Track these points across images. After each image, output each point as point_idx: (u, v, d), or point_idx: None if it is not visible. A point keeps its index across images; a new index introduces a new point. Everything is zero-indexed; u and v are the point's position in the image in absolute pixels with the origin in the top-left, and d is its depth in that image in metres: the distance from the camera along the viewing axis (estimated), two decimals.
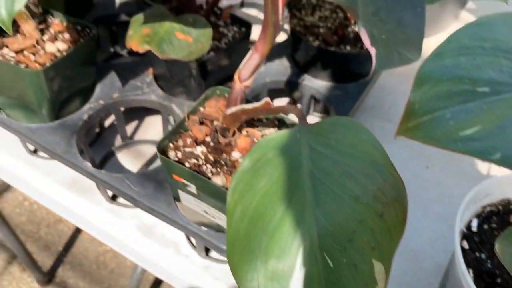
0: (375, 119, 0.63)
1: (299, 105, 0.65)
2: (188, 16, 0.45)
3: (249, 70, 0.38)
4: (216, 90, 0.45)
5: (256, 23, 0.75)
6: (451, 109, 0.23)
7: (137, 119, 0.62)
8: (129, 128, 0.61)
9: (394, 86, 0.68)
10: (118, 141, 0.60)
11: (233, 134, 0.42)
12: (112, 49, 0.68)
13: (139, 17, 0.44)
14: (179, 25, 0.44)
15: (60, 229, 1.38)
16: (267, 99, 0.34)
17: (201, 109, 0.44)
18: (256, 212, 0.27)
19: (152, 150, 0.59)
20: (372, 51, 0.31)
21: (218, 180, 0.39)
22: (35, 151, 0.57)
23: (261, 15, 0.76)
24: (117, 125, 0.57)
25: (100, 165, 0.57)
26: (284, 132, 0.30)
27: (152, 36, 0.42)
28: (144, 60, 0.58)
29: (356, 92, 0.56)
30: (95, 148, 0.59)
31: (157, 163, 0.58)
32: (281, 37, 0.67)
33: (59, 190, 0.53)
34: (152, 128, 0.61)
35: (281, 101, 0.66)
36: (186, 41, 0.43)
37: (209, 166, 0.40)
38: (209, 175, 0.39)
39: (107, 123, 0.62)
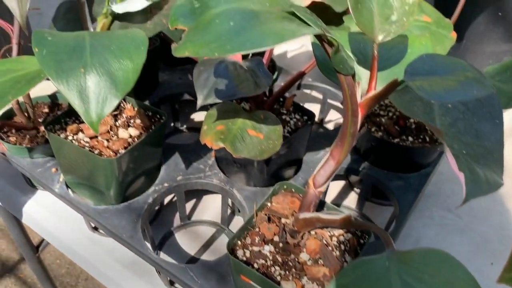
0: (434, 208, 0.62)
1: (356, 190, 0.65)
2: (260, 112, 0.47)
3: (324, 176, 0.38)
4: (284, 185, 0.46)
5: (312, 102, 0.77)
6: None
7: (195, 198, 0.63)
8: (188, 205, 0.62)
9: (451, 172, 0.66)
10: (176, 219, 0.60)
11: (302, 235, 0.42)
12: (172, 124, 0.71)
13: (213, 112, 0.46)
14: (251, 122, 0.45)
15: (97, 284, 1.38)
16: (348, 213, 0.34)
17: (268, 204, 0.44)
18: None
19: (209, 231, 0.60)
20: (461, 176, 0.30)
21: (289, 286, 0.38)
22: (95, 228, 0.58)
23: (316, 94, 0.78)
24: (178, 206, 0.58)
25: (159, 245, 0.57)
26: (371, 258, 0.29)
27: (226, 133, 0.43)
28: None
29: (419, 183, 0.55)
30: (155, 226, 0.59)
31: (215, 246, 0.58)
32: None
33: (119, 270, 0.54)
34: (211, 209, 0.62)
35: (337, 184, 0.66)
36: (257, 138, 0.44)
37: (277, 268, 0.40)
38: (278, 278, 0.39)
39: (166, 200, 0.63)
